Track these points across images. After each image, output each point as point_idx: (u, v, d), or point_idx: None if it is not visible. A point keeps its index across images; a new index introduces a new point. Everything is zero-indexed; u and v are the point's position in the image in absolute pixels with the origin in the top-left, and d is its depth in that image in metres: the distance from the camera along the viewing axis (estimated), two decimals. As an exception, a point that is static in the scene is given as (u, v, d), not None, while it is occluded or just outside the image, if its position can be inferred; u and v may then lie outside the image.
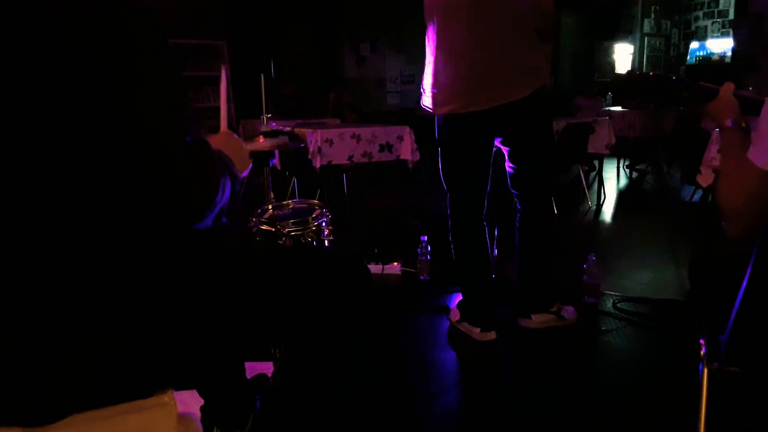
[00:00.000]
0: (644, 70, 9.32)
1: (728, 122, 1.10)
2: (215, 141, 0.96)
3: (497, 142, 2.14)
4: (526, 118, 2.03)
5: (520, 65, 1.96)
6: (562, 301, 2.28)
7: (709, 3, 9.18)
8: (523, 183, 2.16)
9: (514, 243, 2.24)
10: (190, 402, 1.28)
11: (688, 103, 1.18)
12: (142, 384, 0.82)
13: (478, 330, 2.16)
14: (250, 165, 1.06)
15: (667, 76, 1.20)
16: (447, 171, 2.16)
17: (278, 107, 5.94)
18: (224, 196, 0.82)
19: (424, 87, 2.11)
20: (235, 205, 0.87)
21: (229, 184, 0.85)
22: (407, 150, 4.05)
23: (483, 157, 2.11)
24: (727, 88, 1.12)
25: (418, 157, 4.13)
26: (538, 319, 2.23)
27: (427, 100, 2.10)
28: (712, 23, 9.12)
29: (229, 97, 6.44)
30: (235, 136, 1.10)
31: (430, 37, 2.06)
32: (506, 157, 2.17)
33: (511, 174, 2.17)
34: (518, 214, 2.21)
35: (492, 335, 2.16)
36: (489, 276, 2.21)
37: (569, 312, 2.26)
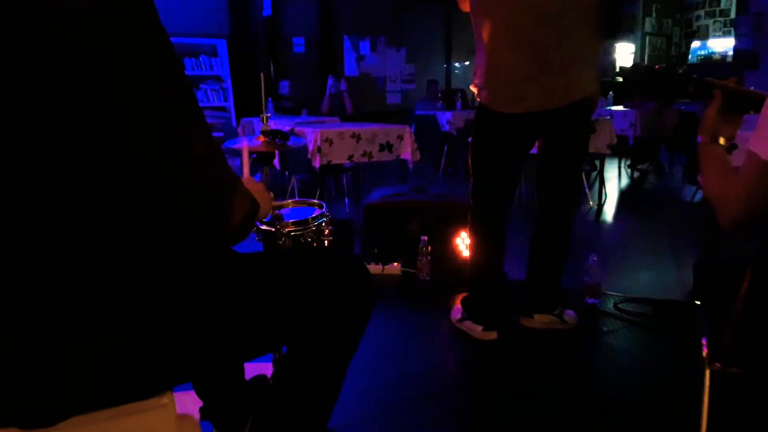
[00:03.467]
0: (646, 69, 9.30)
1: (699, 138, 1.11)
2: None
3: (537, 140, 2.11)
4: (570, 122, 1.99)
5: (586, 64, 1.92)
6: (564, 304, 2.27)
7: (710, 2, 9.18)
8: (549, 183, 2.13)
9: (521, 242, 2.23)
10: (190, 403, 1.28)
11: (694, 97, 1.18)
12: (141, 385, 0.82)
13: (479, 328, 2.16)
14: (270, 209, 1.10)
15: (673, 70, 1.20)
16: (481, 165, 2.12)
17: (277, 106, 5.94)
18: (243, 204, 0.83)
19: (477, 81, 2.03)
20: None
21: (249, 200, 0.85)
22: (407, 150, 4.05)
23: (521, 156, 2.08)
24: (712, 111, 1.13)
25: (418, 156, 4.13)
26: (540, 320, 2.22)
27: (482, 96, 2.02)
28: (714, 22, 9.12)
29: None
30: (259, 182, 1.12)
31: (484, 33, 1.96)
32: (539, 155, 2.13)
33: (540, 172, 2.14)
34: (539, 211, 2.19)
35: (493, 335, 2.15)
36: (499, 275, 2.20)
37: (571, 315, 2.26)
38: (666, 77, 1.31)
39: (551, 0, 1.83)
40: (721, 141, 1.11)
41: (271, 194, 1.21)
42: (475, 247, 2.18)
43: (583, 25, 1.88)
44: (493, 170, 2.09)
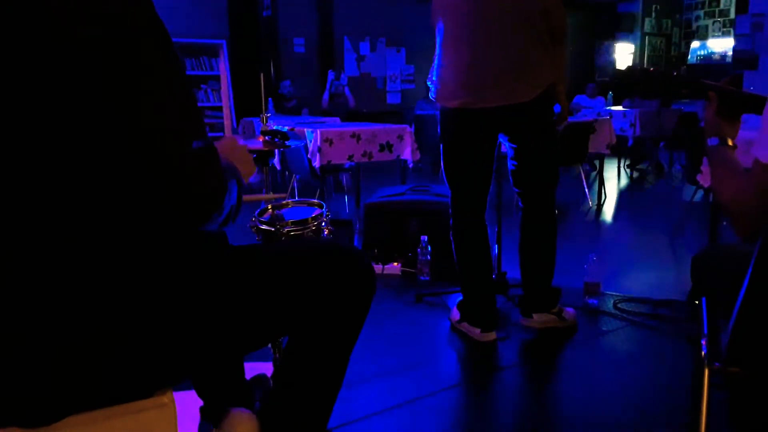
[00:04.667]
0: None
1: (708, 141, 1.11)
2: (220, 146, 0.96)
3: (502, 140, 2.13)
4: (531, 118, 2.03)
5: (529, 65, 1.96)
6: (563, 303, 2.28)
7: (709, 2, 9.18)
8: (525, 181, 2.16)
9: (516, 241, 2.24)
10: (190, 402, 1.28)
11: (689, 98, 1.19)
12: (141, 384, 0.82)
13: (478, 331, 2.16)
14: (255, 170, 1.07)
15: (668, 72, 1.20)
16: (450, 168, 2.15)
17: (278, 106, 5.94)
18: (231, 198, 0.82)
19: (433, 79, 2.10)
20: (240, 209, 0.88)
21: (235, 188, 0.85)
22: (407, 150, 4.05)
23: (487, 155, 2.10)
24: (710, 108, 1.12)
25: (418, 156, 4.13)
26: (539, 319, 2.22)
27: (435, 94, 2.10)
28: (713, 23, 9.12)
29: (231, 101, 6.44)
30: (240, 142, 1.10)
31: (439, 31, 2.06)
32: (509, 154, 2.16)
33: (513, 171, 2.17)
34: (521, 212, 2.21)
35: (492, 336, 2.15)
36: (489, 275, 2.21)
37: (570, 314, 2.26)
38: (661, 79, 1.30)
39: (490, 4, 1.92)
40: (729, 142, 1.11)
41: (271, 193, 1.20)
42: (460, 251, 2.19)
43: (531, 25, 1.94)
44: (463, 171, 2.12)
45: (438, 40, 2.07)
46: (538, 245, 2.19)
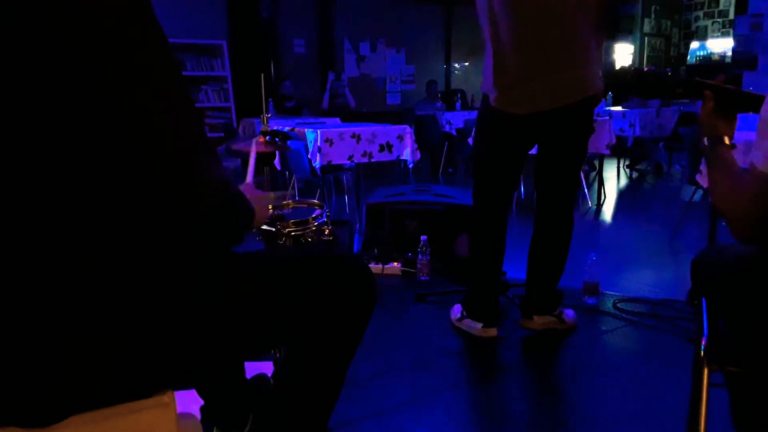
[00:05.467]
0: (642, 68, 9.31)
1: (705, 140, 1.10)
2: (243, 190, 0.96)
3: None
4: (571, 122, 2.00)
5: (588, 63, 1.92)
6: (562, 303, 2.28)
7: (709, 3, 9.18)
8: (549, 183, 2.14)
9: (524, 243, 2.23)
10: (190, 402, 1.28)
11: (683, 98, 1.18)
12: (142, 384, 0.82)
13: (480, 326, 2.16)
14: (268, 218, 1.07)
15: (662, 73, 1.19)
16: (484, 164, 2.13)
17: (278, 107, 5.95)
18: (240, 207, 0.82)
19: (486, 84, 2.04)
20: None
21: (245, 203, 0.85)
22: (407, 150, 4.06)
23: (523, 155, 2.09)
24: (707, 106, 1.11)
25: (418, 156, 4.14)
26: (539, 321, 2.23)
27: (492, 98, 2.02)
28: (713, 23, 9.12)
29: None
30: (260, 192, 1.10)
31: (491, 33, 1.97)
32: (538, 155, 2.14)
33: (538, 172, 2.15)
34: (536, 213, 2.20)
35: (493, 332, 2.16)
36: (498, 273, 2.21)
37: (570, 316, 2.26)
38: (655, 79, 1.30)
39: (555, 0, 1.85)
40: (726, 141, 1.10)
41: (272, 195, 1.21)
42: (476, 245, 2.19)
43: (586, 24, 1.90)
44: (497, 171, 2.11)
45: (488, 43, 1.97)
46: (550, 249, 2.17)
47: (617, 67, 9.49)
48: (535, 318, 2.23)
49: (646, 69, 1.21)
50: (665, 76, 1.18)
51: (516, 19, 1.89)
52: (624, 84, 1.22)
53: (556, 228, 2.16)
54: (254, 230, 1.02)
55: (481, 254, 2.18)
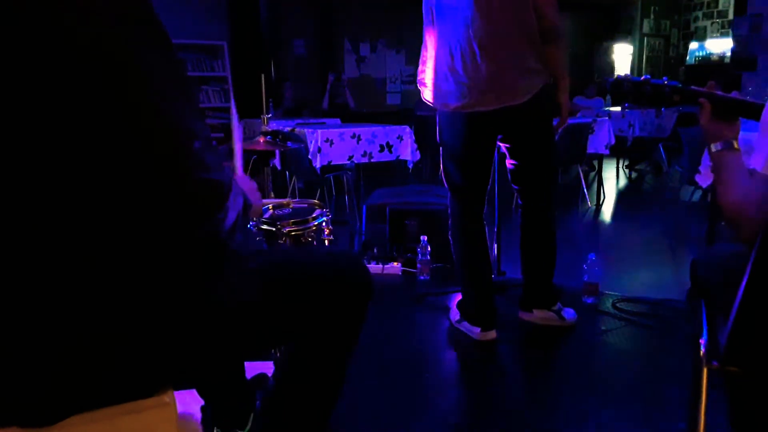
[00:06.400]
0: (643, 70, 9.31)
1: (712, 147, 1.10)
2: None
3: (498, 140, 2.14)
4: (528, 118, 2.03)
5: (525, 67, 1.96)
6: (562, 303, 2.28)
7: (708, 3, 9.19)
8: (523, 178, 2.17)
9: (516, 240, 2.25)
10: (190, 402, 1.28)
11: (680, 104, 1.18)
12: (142, 384, 0.82)
13: (478, 330, 2.16)
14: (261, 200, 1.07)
15: (659, 86, 1.18)
16: (449, 169, 2.16)
17: (278, 107, 5.95)
18: (236, 204, 0.83)
19: (425, 82, 2.11)
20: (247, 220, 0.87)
21: (241, 200, 0.85)
22: (407, 150, 4.06)
23: (486, 156, 2.11)
24: (705, 113, 1.11)
25: (418, 157, 4.14)
26: (539, 315, 2.23)
27: (428, 95, 2.10)
28: (712, 23, 9.13)
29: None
30: (254, 184, 1.10)
31: (431, 33, 2.06)
32: (507, 154, 2.17)
33: (511, 170, 2.18)
34: (520, 210, 2.23)
35: (492, 335, 2.16)
36: (489, 274, 2.21)
37: (570, 315, 2.27)
38: (652, 89, 1.30)
39: (487, 4, 1.90)
40: (735, 145, 1.09)
41: (272, 194, 1.21)
42: (459, 251, 2.19)
43: (526, 26, 1.94)
44: (466, 172, 2.12)
45: (431, 40, 2.06)
46: (538, 241, 2.20)
47: (617, 70, 9.49)
48: (535, 311, 2.23)
49: (642, 78, 1.20)
50: (661, 86, 1.18)
51: (451, 20, 1.97)
52: (621, 94, 1.22)
53: (539, 219, 2.19)
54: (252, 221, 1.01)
55: (466, 258, 2.18)
